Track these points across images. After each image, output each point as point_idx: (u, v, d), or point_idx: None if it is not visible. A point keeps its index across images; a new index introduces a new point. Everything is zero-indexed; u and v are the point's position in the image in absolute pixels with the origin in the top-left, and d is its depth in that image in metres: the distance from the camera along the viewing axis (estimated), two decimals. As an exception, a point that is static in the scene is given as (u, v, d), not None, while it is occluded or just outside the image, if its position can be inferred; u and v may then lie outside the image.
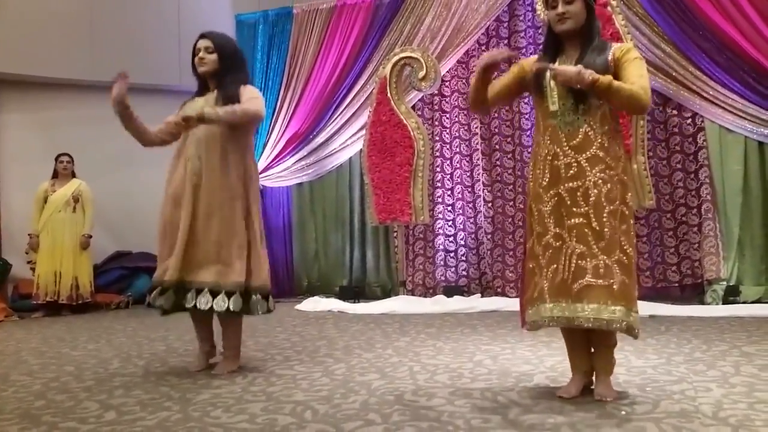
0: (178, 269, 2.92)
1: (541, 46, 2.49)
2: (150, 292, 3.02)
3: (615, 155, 2.31)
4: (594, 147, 2.29)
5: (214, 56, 3.01)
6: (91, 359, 3.50)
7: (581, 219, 2.26)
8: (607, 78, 2.20)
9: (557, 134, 2.33)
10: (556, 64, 2.35)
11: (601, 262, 2.22)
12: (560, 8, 2.31)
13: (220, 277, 2.91)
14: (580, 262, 2.23)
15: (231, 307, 2.89)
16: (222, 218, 2.95)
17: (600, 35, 2.39)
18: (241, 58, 3.14)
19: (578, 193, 2.28)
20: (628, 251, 2.27)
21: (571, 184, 2.29)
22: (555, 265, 2.27)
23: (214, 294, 2.90)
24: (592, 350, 2.43)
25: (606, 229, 2.24)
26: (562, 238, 2.28)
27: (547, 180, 2.34)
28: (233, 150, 3.01)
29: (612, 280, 2.20)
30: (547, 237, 2.31)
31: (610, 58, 2.31)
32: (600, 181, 2.27)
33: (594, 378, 2.44)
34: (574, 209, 2.27)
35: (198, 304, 2.90)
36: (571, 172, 2.29)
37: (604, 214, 2.25)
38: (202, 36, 3.07)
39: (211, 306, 2.90)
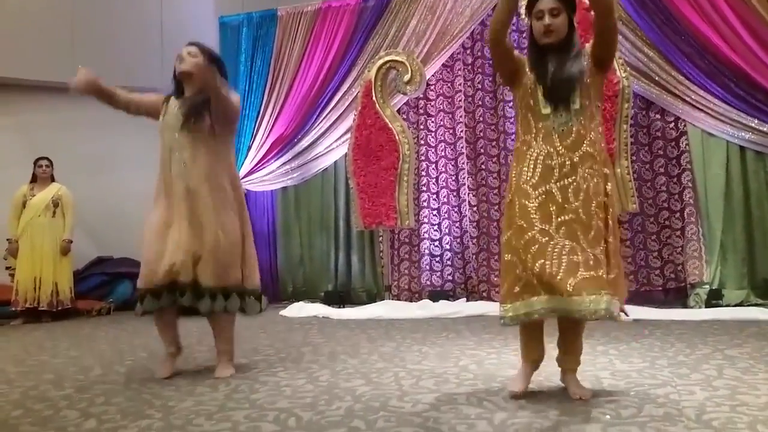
0: (183, 265, 2.94)
1: (525, 52, 2.51)
2: (141, 299, 3.01)
3: (599, 149, 2.40)
4: (585, 144, 2.36)
5: (196, 59, 3.06)
6: (72, 367, 3.44)
7: (571, 215, 2.30)
8: None
9: (550, 135, 2.37)
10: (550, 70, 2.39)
11: (590, 254, 2.25)
12: (546, 20, 2.35)
13: (218, 280, 2.99)
14: (572, 257, 2.23)
15: (228, 307, 3.02)
16: (216, 223, 3.00)
17: (578, 47, 2.42)
18: (223, 67, 3.15)
19: (569, 190, 2.32)
20: (610, 240, 2.33)
21: (563, 182, 2.33)
22: (542, 260, 2.27)
23: (213, 296, 2.99)
24: (559, 343, 2.50)
25: (593, 222, 2.30)
26: (549, 234, 2.29)
27: (537, 178, 2.36)
28: (220, 156, 3.08)
29: (601, 271, 2.23)
30: (532, 232, 2.31)
31: (585, 63, 2.39)
32: (588, 176, 2.34)
33: (561, 375, 2.50)
34: (566, 206, 2.31)
35: (201, 308, 2.99)
36: (565, 170, 2.34)
37: (592, 208, 2.31)
38: (189, 43, 3.13)
39: (210, 308, 2.99)
